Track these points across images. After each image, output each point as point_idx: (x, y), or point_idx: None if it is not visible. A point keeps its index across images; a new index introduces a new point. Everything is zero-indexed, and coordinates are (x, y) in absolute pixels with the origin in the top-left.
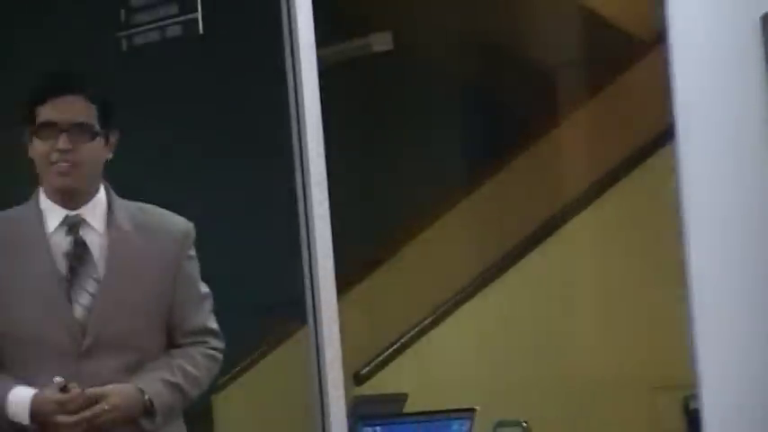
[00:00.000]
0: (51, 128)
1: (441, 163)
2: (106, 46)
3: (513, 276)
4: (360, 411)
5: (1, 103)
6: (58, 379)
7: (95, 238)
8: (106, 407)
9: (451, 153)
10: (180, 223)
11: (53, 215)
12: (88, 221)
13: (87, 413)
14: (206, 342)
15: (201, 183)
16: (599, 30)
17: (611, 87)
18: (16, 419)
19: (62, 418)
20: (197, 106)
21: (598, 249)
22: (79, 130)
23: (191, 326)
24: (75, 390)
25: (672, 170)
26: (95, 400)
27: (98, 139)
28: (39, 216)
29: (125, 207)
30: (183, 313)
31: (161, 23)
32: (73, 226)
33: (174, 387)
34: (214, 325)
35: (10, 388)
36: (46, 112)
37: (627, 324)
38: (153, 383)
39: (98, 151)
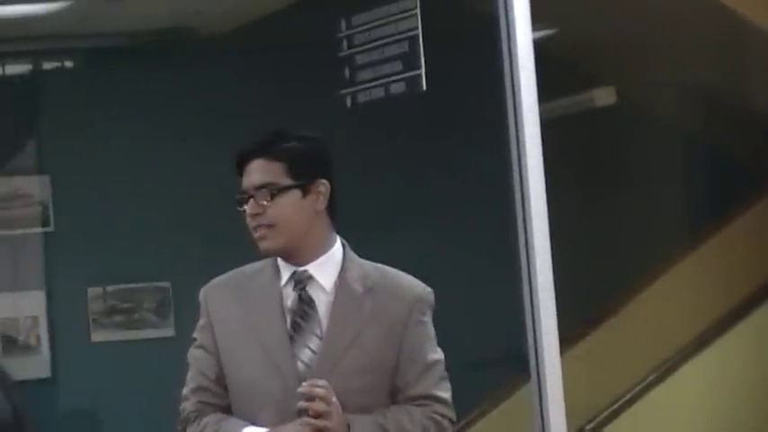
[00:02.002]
0: (245, 196)
1: (663, 218)
2: (331, 103)
3: (738, 334)
4: None
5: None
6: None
7: (322, 296)
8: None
9: (674, 208)
10: (415, 287)
11: (285, 270)
12: (316, 278)
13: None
14: (430, 406)
15: (423, 238)
16: None
17: None
18: None
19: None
20: (419, 162)
21: None
22: (262, 191)
23: (414, 392)
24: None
25: None
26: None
27: (289, 194)
28: (275, 270)
29: (359, 266)
30: (406, 378)
31: (385, 80)
32: (299, 282)
33: (381, 428)
34: (441, 393)
35: (242, 427)
36: (242, 183)
37: None
38: (363, 421)
39: (291, 207)
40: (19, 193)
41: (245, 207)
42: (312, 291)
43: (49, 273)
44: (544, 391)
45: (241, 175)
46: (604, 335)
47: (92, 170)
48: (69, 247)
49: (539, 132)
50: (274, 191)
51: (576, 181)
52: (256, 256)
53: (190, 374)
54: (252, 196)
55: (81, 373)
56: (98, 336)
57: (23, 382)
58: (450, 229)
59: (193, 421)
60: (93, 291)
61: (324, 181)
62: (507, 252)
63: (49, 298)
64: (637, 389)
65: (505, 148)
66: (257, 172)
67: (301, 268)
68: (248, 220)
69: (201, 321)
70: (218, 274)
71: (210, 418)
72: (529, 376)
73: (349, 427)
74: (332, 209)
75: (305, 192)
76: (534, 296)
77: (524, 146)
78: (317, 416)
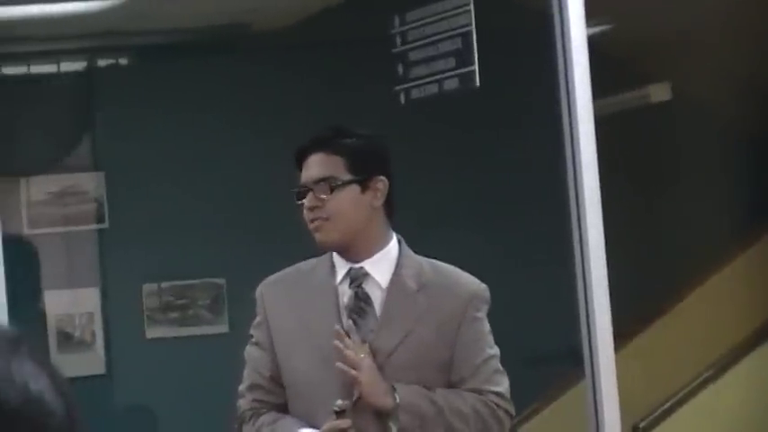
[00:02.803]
0: (303, 189)
1: (718, 216)
2: (384, 100)
3: None
4: None
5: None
6: (338, 402)
7: (378, 293)
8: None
9: (729, 206)
10: (469, 284)
11: (341, 268)
12: (371, 275)
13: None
14: (485, 395)
15: (476, 234)
16: None
17: None
18: None
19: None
20: (473, 158)
21: None
22: (321, 185)
23: (469, 387)
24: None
25: None
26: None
27: (348, 188)
28: (331, 268)
29: (415, 263)
30: (461, 374)
31: (438, 77)
32: (355, 279)
33: (431, 401)
34: (496, 387)
35: (297, 429)
36: (301, 176)
37: None
38: (408, 386)
39: (349, 201)
40: (74, 189)
41: (304, 200)
42: (368, 287)
43: (103, 269)
44: (598, 388)
45: (300, 169)
46: (658, 332)
47: (146, 167)
48: (124, 244)
49: (593, 129)
50: (334, 185)
51: (630, 178)
52: (310, 252)
53: (246, 371)
54: (311, 189)
55: (135, 369)
56: (152, 332)
57: (78, 379)
58: (504, 225)
59: (249, 420)
60: (147, 287)
61: (382, 178)
62: (561, 248)
63: (104, 295)
64: (690, 386)
65: (560, 145)
66: (317, 166)
67: (357, 265)
68: (305, 212)
69: (258, 318)
70: (271, 271)
71: (265, 418)
72: (583, 373)
73: (394, 390)
74: (389, 206)
75: (363, 187)
76: (588, 292)
77: (578, 142)
78: (352, 366)
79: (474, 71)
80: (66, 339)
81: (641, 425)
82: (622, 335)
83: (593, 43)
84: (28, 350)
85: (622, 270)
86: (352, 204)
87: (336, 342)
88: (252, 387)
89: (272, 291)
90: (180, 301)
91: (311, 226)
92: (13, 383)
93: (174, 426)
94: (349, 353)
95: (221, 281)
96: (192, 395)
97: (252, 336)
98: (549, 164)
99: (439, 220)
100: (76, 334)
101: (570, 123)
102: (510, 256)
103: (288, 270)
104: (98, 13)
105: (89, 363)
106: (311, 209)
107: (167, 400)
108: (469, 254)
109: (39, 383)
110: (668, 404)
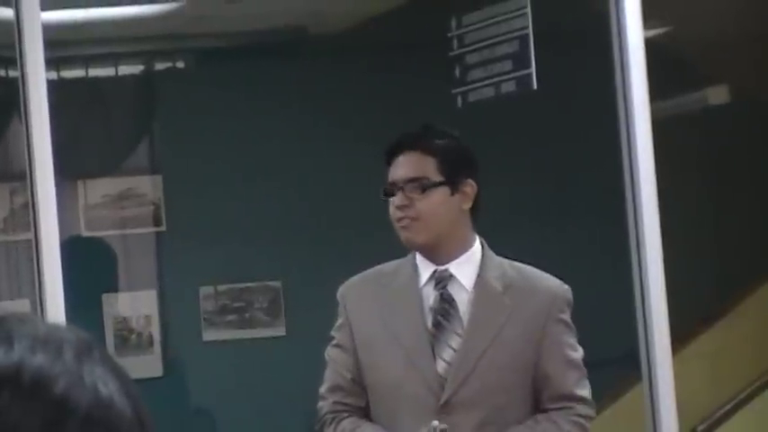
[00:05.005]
0: (393, 187)
1: None
2: (441, 103)
3: None
4: None
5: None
6: (434, 423)
7: (463, 294)
8: None
9: None
10: (552, 285)
11: (425, 269)
12: (456, 277)
13: None
14: (573, 408)
15: (533, 237)
16: None
17: None
18: None
19: None
20: (529, 161)
21: None
22: (412, 184)
23: (556, 392)
24: None
25: None
26: None
27: (439, 190)
28: (414, 270)
29: (498, 265)
30: (547, 378)
31: (495, 80)
32: (440, 281)
33: None
34: (582, 392)
35: None
36: (389, 173)
37: None
38: None
39: (440, 203)
40: (132, 192)
41: (392, 198)
42: (453, 289)
43: (161, 272)
44: (656, 391)
45: (389, 166)
46: (717, 334)
47: (203, 170)
48: (181, 247)
49: (649, 130)
50: (425, 185)
51: (688, 180)
52: (366, 255)
53: (327, 373)
54: (401, 188)
55: (192, 371)
56: (209, 335)
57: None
58: (560, 228)
59: (330, 424)
60: (204, 290)
61: (471, 181)
62: (618, 251)
63: (162, 297)
64: (750, 389)
65: (616, 147)
66: (409, 165)
67: (442, 267)
68: (393, 211)
69: (339, 320)
70: (327, 274)
71: (346, 425)
72: (640, 376)
73: None
74: (475, 209)
75: (453, 190)
76: (646, 295)
77: (635, 144)
78: None
79: (531, 74)
80: (123, 342)
81: (700, 428)
82: (681, 337)
83: (651, 44)
84: (99, 354)
85: (681, 272)
86: (442, 206)
87: None
88: (333, 389)
89: (354, 292)
90: (237, 304)
91: (399, 225)
92: (83, 387)
93: (230, 427)
94: None
95: (278, 284)
96: (248, 397)
97: (333, 337)
98: (605, 166)
99: (495, 224)
100: (134, 337)
101: (627, 125)
102: (566, 259)
103: (369, 271)
104: (158, 16)
105: (146, 365)
106: (400, 207)
107: (224, 403)
108: (526, 256)
109: (108, 387)
110: (728, 407)
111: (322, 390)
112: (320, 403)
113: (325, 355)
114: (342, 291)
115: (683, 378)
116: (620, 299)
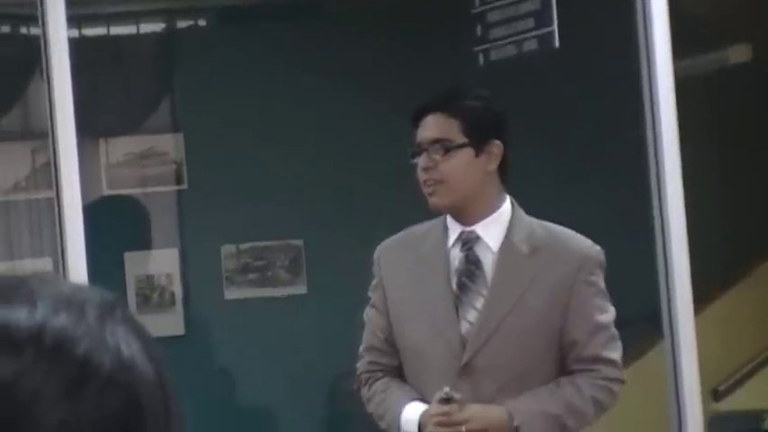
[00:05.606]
0: (418, 149)
1: None
2: (463, 61)
3: None
4: (718, 427)
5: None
6: (446, 389)
7: (489, 256)
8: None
9: None
10: (583, 247)
11: (453, 231)
12: (483, 238)
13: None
14: (598, 371)
15: (554, 198)
16: None
17: None
18: None
19: (433, 430)
20: (552, 120)
21: None
22: (436, 146)
23: (582, 354)
24: (453, 405)
25: None
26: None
27: (462, 152)
28: (444, 231)
29: (527, 226)
30: (573, 340)
31: (517, 38)
32: (467, 242)
33: (551, 419)
34: (611, 354)
35: (405, 404)
36: (416, 135)
37: None
38: (528, 411)
39: (463, 165)
40: (154, 151)
41: (418, 160)
42: (479, 251)
43: (182, 231)
44: (677, 350)
45: (416, 128)
46: (738, 296)
47: (225, 128)
48: (203, 205)
49: (672, 87)
50: (448, 147)
51: (709, 140)
52: (388, 215)
53: (364, 333)
54: (426, 150)
55: (214, 330)
56: (231, 293)
57: (158, 340)
58: (581, 188)
59: (365, 384)
60: (226, 248)
61: (497, 142)
62: (641, 211)
63: (183, 256)
64: None
65: (639, 105)
66: (433, 126)
67: (469, 228)
68: (419, 173)
69: (375, 281)
70: (349, 233)
71: (378, 386)
72: (662, 336)
73: (518, 429)
74: (503, 170)
75: (478, 151)
76: (668, 255)
77: (658, 102)
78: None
79: (553, 31)
80: (145, 300)
81: (720, 388)
82: (702, 299)
83: (673, 2)
84: (122, 314)
85: (703, 234)
86: (465, 168)
87: (439, 411)
88: (369, 349)
89: (387, 254)
90: (258, 263)
91: (425, 188)
92: (106, 348)
93: (252, 385)
94: (454, 418)
95: (300, 242)
96: (270, 355)
97: (370, 297)
98: (628, 125)
99: (516, 183)
100: (155, 295)
101: (650, 83)
102: (589, 219)
103: (403, 233)
104: None
105: (168, 324)
106: (425, 169)
107: (245, 361)
108: (548, 217)
109: (131, 348)
110: (748, 368)
111: (360, 349)
112: (358, 363)
113: (364, 315)
114: (377, 251)
115: (705, 338)
116: (642, 258)
